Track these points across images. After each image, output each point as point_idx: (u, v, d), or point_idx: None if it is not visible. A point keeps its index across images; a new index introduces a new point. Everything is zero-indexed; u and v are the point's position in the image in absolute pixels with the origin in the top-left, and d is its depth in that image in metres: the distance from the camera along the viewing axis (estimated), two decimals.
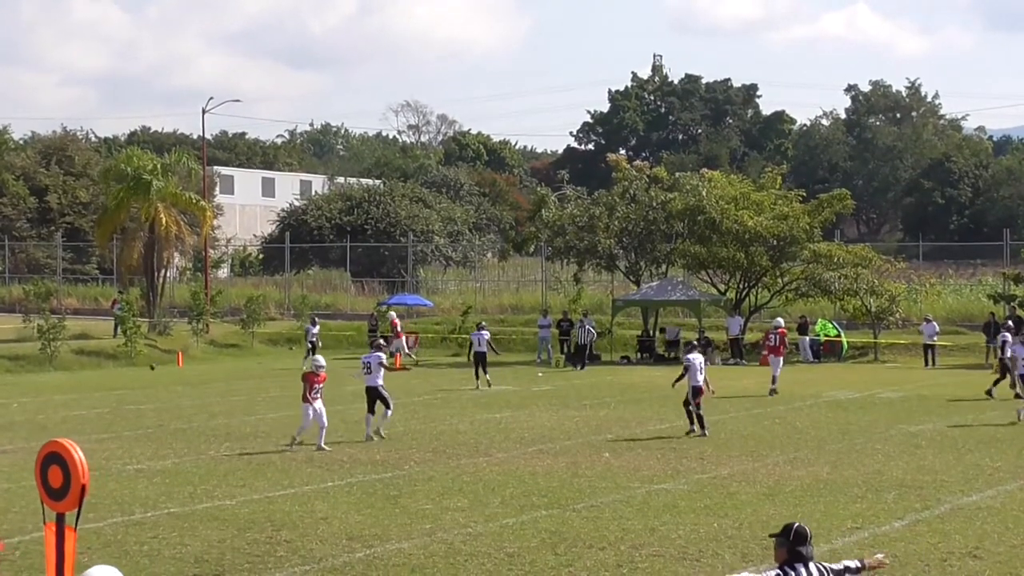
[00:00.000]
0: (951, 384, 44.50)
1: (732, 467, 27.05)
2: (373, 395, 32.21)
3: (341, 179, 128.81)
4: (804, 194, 64.32)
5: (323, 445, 29.83)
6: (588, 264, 65.31)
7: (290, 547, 19.63)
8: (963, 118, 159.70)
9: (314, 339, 56.36)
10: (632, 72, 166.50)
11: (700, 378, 32.74)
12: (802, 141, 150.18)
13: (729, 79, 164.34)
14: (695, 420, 32.38)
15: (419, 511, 22.33)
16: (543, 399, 41.08)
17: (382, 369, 32.71)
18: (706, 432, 32.00)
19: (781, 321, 47.03)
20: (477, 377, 45.91)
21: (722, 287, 62.87)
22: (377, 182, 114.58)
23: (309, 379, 30.39)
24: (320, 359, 31.92)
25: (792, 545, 11.35)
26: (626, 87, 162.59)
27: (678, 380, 33.31)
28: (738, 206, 59.88)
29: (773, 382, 42.81)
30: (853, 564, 11.82)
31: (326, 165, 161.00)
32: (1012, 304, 57.91)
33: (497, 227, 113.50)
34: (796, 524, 11.48)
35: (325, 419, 30.12)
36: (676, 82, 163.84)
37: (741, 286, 61.62)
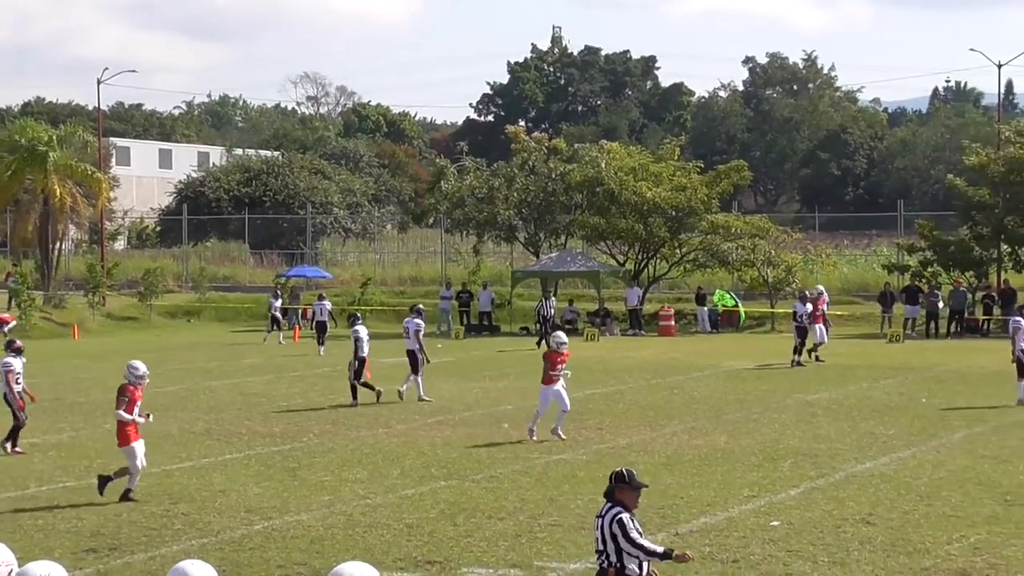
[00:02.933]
0: (846, 354, 44.97)
1: (631, 437, 27.23)
2: (412, 358, 33.84)
3: (239, 151, 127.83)
4: (702, 165, 64.64)
5: (561, 433, 26.78)
6: (487, 235, 65.34)
7: (187, 520, 19.55)
8: (859, 90, 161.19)
9: (276, 312, 54.91)
10: (532, 43, 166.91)
11: (367, 350, 33.33)
12: (700, 113, 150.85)
13: (628, 51, 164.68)
14: (353, 391, 32.97)
15: (318, 483, 22.31)
16: (443, 371, 41.00)
17: (420, 334, 34.13)
18: (356, 404, 32.59)
19: (819, 288, 47.40)
20: (321, 344, 48.93)
21: (621, 258, 63.09)
22: (276, 154, 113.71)
23: (552, 359, 27.28)
24: (562, 335, 28.27)
25: (633, 486, 11.91)
26: (525, 58, 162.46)
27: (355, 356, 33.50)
28: (637, 177, 60.08)
29: (815, 348, 43.09)
30: (658, 549, 12.01)
31: (224, 137, 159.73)
32: (907, 274, 58.63)
33: (397, 199, 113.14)
34: (624, 468, 12.08)
35: (567, 402, 27.06)
36: (575, 53, 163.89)
37: (640, 257, 61.86)
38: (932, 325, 55.44)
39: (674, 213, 59.54)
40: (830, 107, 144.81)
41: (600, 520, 11.92)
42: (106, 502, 20.73)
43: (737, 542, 17.90)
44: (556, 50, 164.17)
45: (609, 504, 11.89)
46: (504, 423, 29.31)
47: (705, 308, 59.41)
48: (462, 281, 63.85)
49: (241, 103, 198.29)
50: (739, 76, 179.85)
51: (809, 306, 42.99)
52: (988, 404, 31.81)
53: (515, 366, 42.93)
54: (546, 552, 17.51)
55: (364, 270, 76.52)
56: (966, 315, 55.95)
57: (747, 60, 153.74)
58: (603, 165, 60.73)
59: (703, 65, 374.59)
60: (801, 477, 22.44)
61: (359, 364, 33.09)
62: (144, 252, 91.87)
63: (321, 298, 52.32)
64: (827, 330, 45.28)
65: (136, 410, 20.91)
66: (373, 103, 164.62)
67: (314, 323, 52.00)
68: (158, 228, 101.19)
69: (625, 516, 11.78)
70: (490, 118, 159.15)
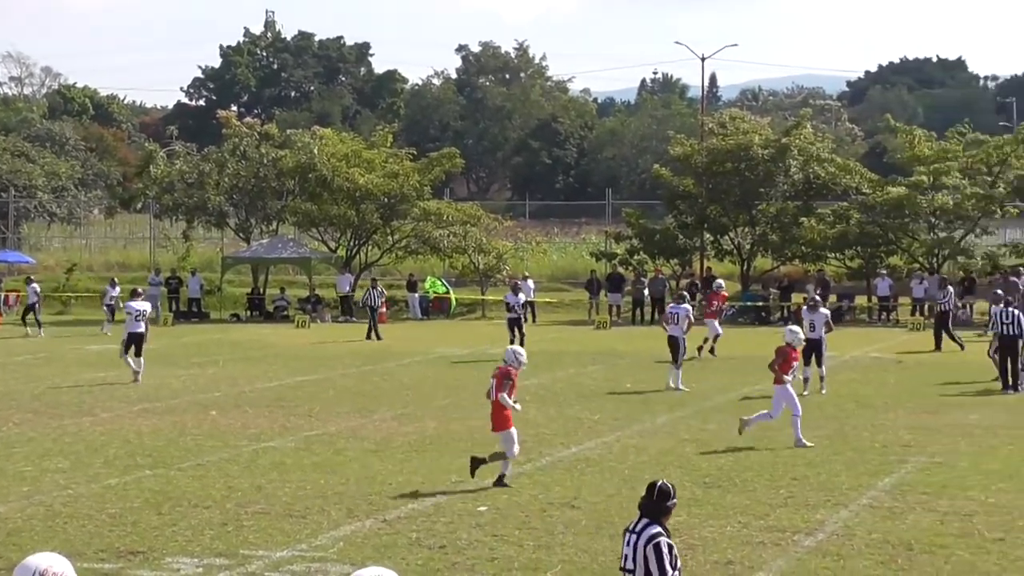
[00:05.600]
0: (556, 340, 45.62)
1: (340, 424, 27.19)
2: (136, 339, 34.76)
3: None
4: (415, 152, 64.85)
5: (805, 442, 24.21)
6: (198, 221, 64.45)
7: None
8: (569, 80, 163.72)
9: (112, 303, 52.23)
10: (244, 27, 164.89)
11: None
12: (414, 100, 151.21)
13: (342, 37, 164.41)
14: None
15: (17, 473, 21.74)
16: (150, 358, 40.23)
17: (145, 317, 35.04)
18: None
19: (719, 282, 44.67)
20: (29, 324, 50.12)
21: (333, 244, 62.94)
22: None
23: (789, 355, 25.10)
24: (799, 329, 26.59)
25: (673, 505, 10.82)
26: (238, 43, 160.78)
27: None
28: (349, 164, 59.97)
29: (713, 341, 40.68)
30: None
31: None
32: (613, 262, 59.76)
33: (104, 183, 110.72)
34: (671, 484, 10.82)
35: (799, 406, 24.75)
36: (289, 38, 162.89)
37: (352, 244, 61.80)
38: (638, 312, 56.56)
39: (386, 200, 59.66)
40: (541, 96, 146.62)
41: (632, 536, 10.60)
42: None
43: (444, 527, 18.02)
44: (269, 35, 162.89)
45: (646, 521, 10.63)
46: (212, 411, 28.97)
47: (416, 295, 59.64)
48: (171, 267, 62.94)
49: None
50: (452, 64, 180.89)
51: (522, 296, 43.17)
52: (689, 388, 32.60)
53: (224, 353, 42.50)
54: (253, 540, 17.37)
55: (70, 255, 74.83)
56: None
57: (460, 48, 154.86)
58: (315, 151, 60.46)
59: (417, 52, 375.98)
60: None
61: None
62: None
63: (29, 281, 52.43)
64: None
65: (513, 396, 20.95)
66: (80, 85, 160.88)
67: (25, 306, 51.53)
68: None
69: (664, 542, 10.47)
70: (201, 102, 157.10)
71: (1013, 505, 19.25)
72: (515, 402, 21.12)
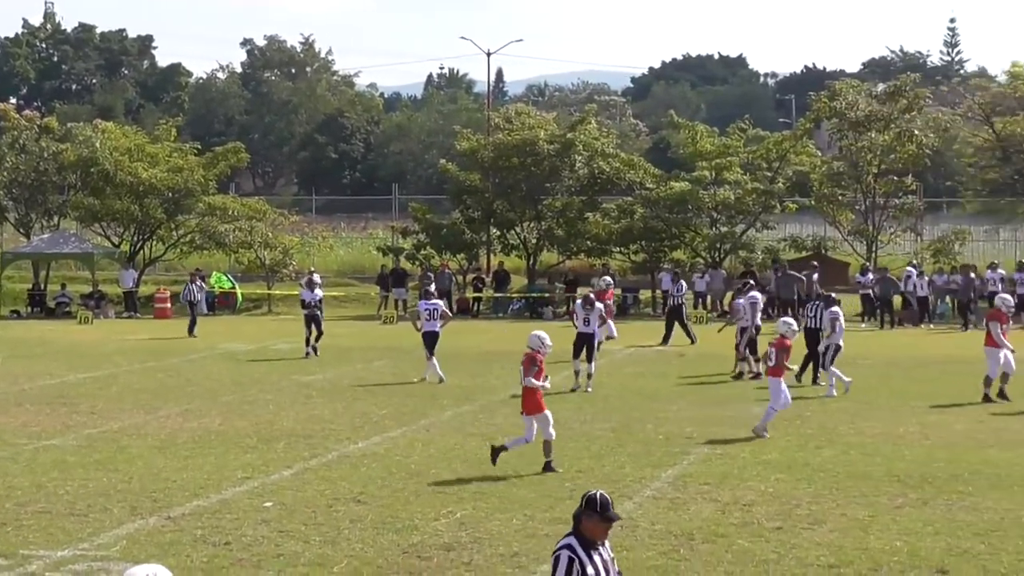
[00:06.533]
0: (343, 335, 45.50)
1: (124, 421, 26.82)
2: None
3: None
4: (200, 147, 64.19)
5: (765, 431, 24.67)
6: None
7: None
8: (356, 75, 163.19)
9: None
10: (23, 19, 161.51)
11: None
12: (198, 94, 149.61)
13: (124, 29, 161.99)
14: None
15: None
16: None
17: None
18: None
19: (606, 280, 40.52)
20: None
21: (116, 240, 61.98)
22: None
23: (788, 347, 25.43)
24: (791, 321, 26.85)
25: (605, 516, 10.35)
26: (16, 34, 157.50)
27: None
28: (132, 158, 59.17)
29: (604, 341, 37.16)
30: None
31: None
32: (399, 257, 59.75)
33: None
34: (599, 493, 10.48)
35: (781, 402, 24.91)
36: (69, 31, 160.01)
37: (136, 239, 60.94)
38: None
39: (171, 194, 59.01)
40: (328, 91, 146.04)
41: None
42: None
43: (230, 524, 17.91)
44: (49, 26, 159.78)
45: (571, 529, 10.43)
46: None
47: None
48: None
49: None
50: (237, 58, 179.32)
51: (318, 292, 42.20)
52: (475, 383, 32.79)
53: (4, 350, 41.57)
54: (33, 540, 17.08)
55: None
56: (456, 296, 57.44)
57: (245, 42, 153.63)
58: (97, 145, 59.58)
59: (201, 46, 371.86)
60: (295, 458, 22.62)
61: None
62: None
63: None
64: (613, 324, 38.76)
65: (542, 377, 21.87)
66: None
67: None
68: None
69: (565, 556, 10.18)
70: None
71: (790, 494, 19.74)
72: (545, 379, 21.98)
